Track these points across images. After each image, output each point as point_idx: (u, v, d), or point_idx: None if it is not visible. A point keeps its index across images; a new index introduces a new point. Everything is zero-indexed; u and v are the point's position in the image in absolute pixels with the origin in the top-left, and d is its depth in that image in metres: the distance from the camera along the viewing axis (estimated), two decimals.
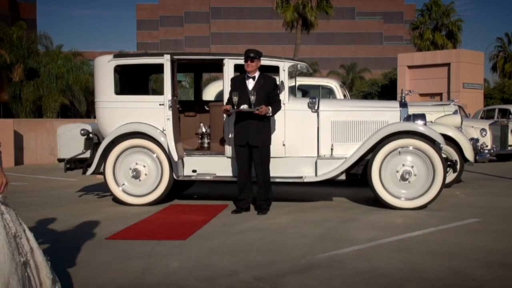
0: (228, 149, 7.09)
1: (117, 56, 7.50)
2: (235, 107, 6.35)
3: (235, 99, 6.32)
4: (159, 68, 7.04)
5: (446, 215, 6.37)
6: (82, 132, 7.56)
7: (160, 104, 7.00)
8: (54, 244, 4.86)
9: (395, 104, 7.37)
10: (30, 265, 2.81)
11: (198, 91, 9.42)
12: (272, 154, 6.64)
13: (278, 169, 6.97)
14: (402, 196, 6.79)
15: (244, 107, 6.30)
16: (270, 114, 6.40)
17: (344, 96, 10.22)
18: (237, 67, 7.07)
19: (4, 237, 2.70)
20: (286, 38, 61.21)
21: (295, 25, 32.04)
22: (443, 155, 7.35)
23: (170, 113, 6.79)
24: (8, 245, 2.70)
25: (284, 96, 6.99)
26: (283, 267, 4.19)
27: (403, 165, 6.79)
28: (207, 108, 7.82)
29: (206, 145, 7.87)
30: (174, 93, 7.02)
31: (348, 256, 4.52)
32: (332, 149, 7.07)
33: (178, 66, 7.31)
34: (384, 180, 6.79)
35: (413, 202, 6.75)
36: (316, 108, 7.11)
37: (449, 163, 7.31)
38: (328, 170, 6.98)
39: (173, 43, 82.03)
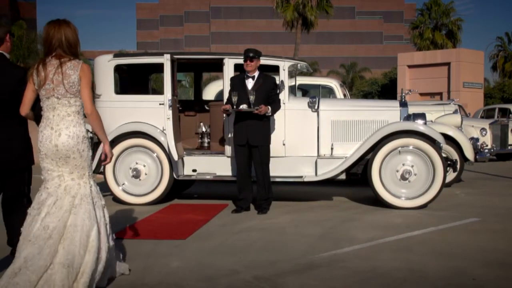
0: (228, 149, 7.09)
1: (117, 55, 7.50)
2: (235, 107, 6.35)
3: (235, 98, 6.32)
4: (159, 67, 7.04)
5: (446, 214, 6.37)
6: None
7: (160, 104, 6.99)
8: None
9: (395, 104, 7.37)
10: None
11: (198, 91, 9.43)
12: (272, 153, 6.64)
13: (278, 169, 6.97)
14: (402, 196, 6.79)
15: (243, 106, 6.30)
16: (270, 114, 6.40)
17: (344, 95, 10.23)
18: (237, 67, 7.07)
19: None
20: (286, 38, 61.18)
21: (295, 25, 32.09)
22: (443, 155, 7.35)
23: (170, 112, 6.79)
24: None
25: (284, 95, 6.99)
26: (283, 267, 4.19)
27: (403, 164, 6.79)
28: (207, 108, 7.82)
29: (206, 144, 7.87)
30: (174, 93, 7.02)
31: (348, 255, 4.52)
32: (332, 148, 7.07)
33: (178, 66, 7.31)
34: (384, 179, 6.79)
35: (413, 202, 6.75)
36: (316, 107, 7.11)
37: (449, 162, 7.31)
38: (328, 169, 6.98)
39: (173, 43, 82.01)
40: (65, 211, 3.40)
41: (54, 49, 3.51)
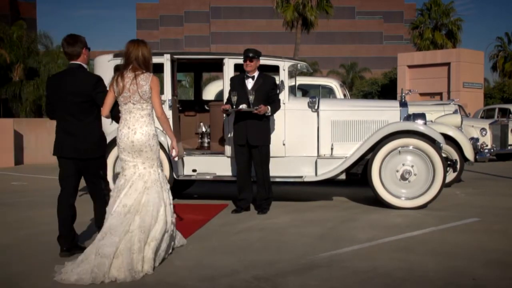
0: (228, 149, 7.09)
1: (117, 55, 7.48)
2: (234, 107, 6.35)
3: (234, 98, 6.32)
4: (159, 67, 7.03)
5: (446, 214, 6.37)
6: None
7: None
8: (54, 243, 4.85)
9: (395, 104, 7.37)
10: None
11: (198, 91, 9.42)
12: (272, 153, 6.64)
13: (278, 169, 6.97)
14: (402, 196, 6.79)
15: (243, 106, 6.30)
16: (269, 114, 6.39)
17: (344, 95, 10.22)
18: (237, 67, 7.07)
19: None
20: (286, 38, 61.16)
21: (295, 25, 32.06)
22: (443, 155, 7.35)
23: (170, 112, 6.79)
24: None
25: (284, 95, 6.99)
26: (283, 267, 4.19)
27: (403, 164, 6.79)
28: (207, 108, 7.82)
29: (206, 144, 7.87)
30: (174, 93, 7.02)
31: (348, 255, 4.53)
32: (332, 148, 7.07)
33: (178, 66, 7.31)
34: (384, 179, 6.79)
35: (413, 202, 6.75)
36: (316, 107, 7.11)
37: (449, 162, 7.31)
38: (328, 169, 6.98)
39: (173, 43, 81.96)
40: (140, 192, 4.24)
41: (131, 62, 4.35)
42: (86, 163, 4.64)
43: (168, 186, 4.46)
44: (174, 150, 4.57)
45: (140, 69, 4.34)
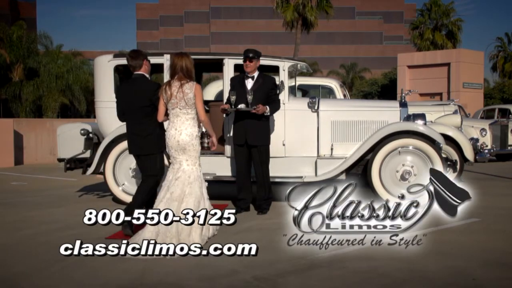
0: (228, 149, 7.09)
1: (117, 56, 7.49)
2: (233, 106, 6.34)
3: (233, 98, 6.31)
4: (159, 68, 7.04)
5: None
6: (82, 132, 7.56)
7: None
8: (54, 243, 4.86)
9: (395, 104, 7.37)
10: None
11: None
12: (272, 154, 6.64)
13: (278, 169, 6.97)
14: None
15: (241, 106, 6.29)
16: (268, 114, 6.39)
17: (344, 96, 10.23)
18: (237, 67, 7.07)
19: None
20: (286, 38, 61.13)
21: (295, 25, 32.09)
22: (443, 155, 7.35)
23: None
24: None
25: (284, 96, 6.99)
26: (283, 267, 4.19)
27: (403, 165, 6.80)
28: (206, 108, 7.80)
29: (206, 145, 7.85)
30: None
31: (348, 256, 4.52)
32: (332, 149, 7.07)
33: None
34: (384, 180, 6.79)
35: None
36: (316, 108, 7.11)
37: (449, 163, 7.31)
38: (328, 170, 6.98)
39: (173, 43, 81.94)
40: (184, 185, 4.98)
41: (177, 72, 5.04)
42: (143, 158, 5.38)
43: (206, 183, 5.19)
44: (214, 145, 5.40)
45: (185, 79, 5.03)
